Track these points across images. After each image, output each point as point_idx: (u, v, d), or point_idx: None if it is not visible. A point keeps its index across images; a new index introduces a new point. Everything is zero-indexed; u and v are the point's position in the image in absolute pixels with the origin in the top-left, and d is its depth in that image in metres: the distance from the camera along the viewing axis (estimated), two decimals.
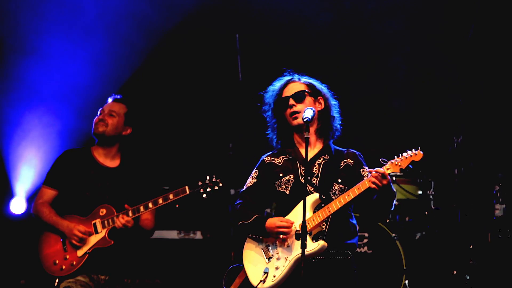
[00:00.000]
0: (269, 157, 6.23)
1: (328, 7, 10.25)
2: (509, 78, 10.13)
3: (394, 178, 9.41)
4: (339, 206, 5.86)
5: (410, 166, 5.86)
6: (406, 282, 8.81)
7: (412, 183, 9.61)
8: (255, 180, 6.20)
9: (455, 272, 9.08)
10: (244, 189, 6.24)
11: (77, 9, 10.08)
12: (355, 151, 6.25)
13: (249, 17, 10.30)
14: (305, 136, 5.80)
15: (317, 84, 6.26)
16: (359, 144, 8.84)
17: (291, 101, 6.10)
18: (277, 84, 6.28)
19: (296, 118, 6.09)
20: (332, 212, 5.86)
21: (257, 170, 6.23)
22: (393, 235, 8.92)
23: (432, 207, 9.44)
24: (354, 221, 6.11)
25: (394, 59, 10.27)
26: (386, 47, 10.37)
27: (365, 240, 8.96)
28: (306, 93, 6.13)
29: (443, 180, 9.63)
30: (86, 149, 7.55)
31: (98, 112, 7.53)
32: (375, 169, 5.77)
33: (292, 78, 6.25)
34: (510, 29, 9.81)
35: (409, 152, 5.88)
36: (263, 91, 6.37)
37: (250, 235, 6.10)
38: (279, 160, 6.18)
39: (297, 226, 5.90)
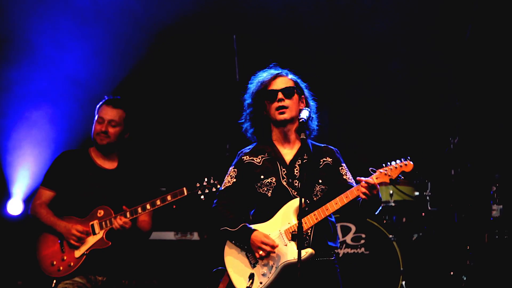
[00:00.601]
0: (247, 156, 6.12)
1: (325, 9, 10.25)
2: (506, 78, 10.15)
3: (375, 170, 9.41)
4: (326, 214, 5.82)
5: (400, 176, 5.81)
6: (403, 283, 8.83)
7: (409, 184, 9.61)
8: (234, 180, 6.11)
9: (452, 273, 9.09)
10: (222, 188, 6.14)
11: (70, 7, 10.06)
12: (333, 148, 6.18)
13: (247, 18, 10.30)
14: (301, 137, 5.80)
15: (300, 82, 6.20)
16: (355, 145, 8.86)
17: (280, 95, 6.00)
18: (263, 75, 6.18)
19: (283, 113, 5.99)
20: (319, 220, 5.82)
21: (235, 169, 6.13)
22: (390, 236, 8.93)
23: (429, 208, 9.45)
24: (333, 219, 6.06)
25: (390, 60, 10.28)
26: (382, 48, 10.37)
27: (362, 241, 8.97)
28: (295, 90, 6.10)
29: (440, 181, 9.64)
30: (84, 150, 7.54)
31: (96, 117, 7.46)
32: (365, 179, 5.70)
33: (280, 72, 6.15)
34: (507, 29, 9.82)
35: (399, 162, 5.79)
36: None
37: (233, 241, 6.06)
38: (258, 160, 6.08)
39: (282, 230, 5.86)
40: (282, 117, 6.00)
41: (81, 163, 7.41)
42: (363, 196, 5.70)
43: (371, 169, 5.80)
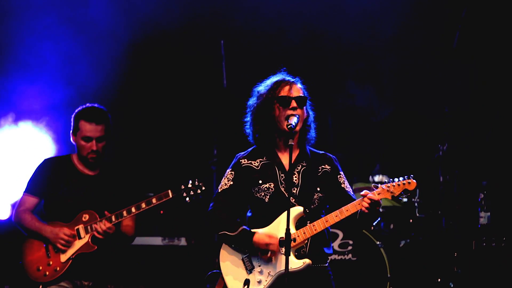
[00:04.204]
0: (245, 160, 6.06)
1: (311, 15, 10.28)
2: (494, 86, 10.19)
3: (378, 185, 9.42)
4: (326, 226, 5.83)
5: (402, 193, 5.79)
6: None
7: None
8: (231, 183, 6.04)
9: (439, 280, 9.10)
10: (219, 191, 6.07)
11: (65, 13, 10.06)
12: (331, 155, 6.16)
13: (234, 24, 10.31)
14: (289, 143, 5.74)
15: (305, 92, 6.12)
16: (345, 152, 8.83)
17: (294, 103, 5.92)
18: (274, 79, 6.07)
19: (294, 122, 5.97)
20: (318, 231, 5.82)
21: (232, 172, 6.07)
22: (378, 242, 8.93)
23: (417, 214, 9.46)
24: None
25: (379, 66, 10.29)
26: (371, 54, 10.39)
27: (350, 248, 8.97)
28: (306, 100, 6.02)
29: (428, 188, 9.65)
30: (66, 157, 7.51)
31: (77, 131, 7.34)
32: (368, 195, 5.72)
33: (294, 80, 6.05)
34: (495, 36, 9.86)
35: (402, 179, 5.79)
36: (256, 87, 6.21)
37: (232, 245, 6.03)
38: (257, 164, 6.03)
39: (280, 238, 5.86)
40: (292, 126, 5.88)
41: (63, 169, 7.38)
42: (364, 210, 5.72)
43: (373, 185, 5.81)
